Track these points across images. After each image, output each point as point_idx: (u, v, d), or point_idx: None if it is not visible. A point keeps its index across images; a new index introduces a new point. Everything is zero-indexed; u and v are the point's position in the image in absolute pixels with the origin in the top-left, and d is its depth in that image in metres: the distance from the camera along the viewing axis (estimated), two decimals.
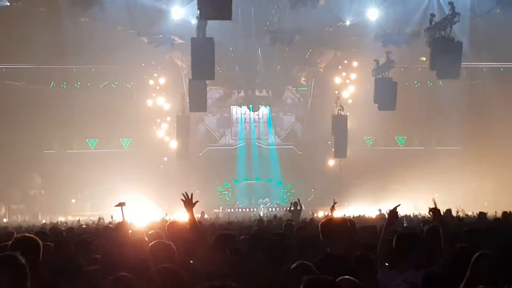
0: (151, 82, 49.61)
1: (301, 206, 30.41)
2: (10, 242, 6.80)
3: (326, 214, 35.97)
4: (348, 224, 7.75)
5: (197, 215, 13.56)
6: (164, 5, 35.96)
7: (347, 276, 5.52)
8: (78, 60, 44.64)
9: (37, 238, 6.83)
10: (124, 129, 50.95)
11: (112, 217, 22.73)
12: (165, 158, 50.46)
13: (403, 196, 47.45)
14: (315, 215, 37.73)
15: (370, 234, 11.36)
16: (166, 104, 49.70)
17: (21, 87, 48.49)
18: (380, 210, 35.70)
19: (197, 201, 9.03)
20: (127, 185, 45.97)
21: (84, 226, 22.95)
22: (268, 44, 41.09)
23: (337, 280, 5.27)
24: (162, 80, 49.21)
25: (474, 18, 34.11)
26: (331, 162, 51.66)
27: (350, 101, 49.05)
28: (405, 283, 6.81)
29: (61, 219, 37.15)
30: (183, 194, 8.97)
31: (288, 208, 31.61)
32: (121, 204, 13.41)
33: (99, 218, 30.39)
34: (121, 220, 12.71)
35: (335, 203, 14.09)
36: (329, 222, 7.72)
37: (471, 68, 46.70)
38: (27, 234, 7.21)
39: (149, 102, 49.90)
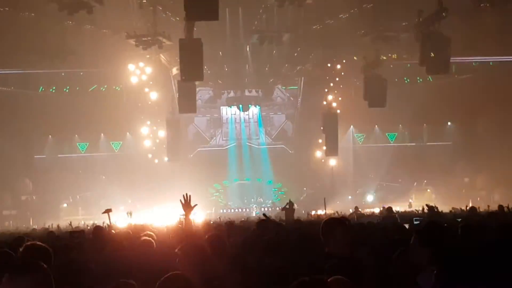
0: (140, 84, 49.47)
1: (293, 204, 30.55)
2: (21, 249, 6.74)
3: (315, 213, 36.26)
4: (347, 223, 7.80)
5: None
6: (151, 7, 35.89)
7: (338, 276, 5.47)
8: (67, 64, 44.48)
9: (47, 246, 6.74)
10: (114, 132, 50.89)
11: (103, 222, 22.66)
12: (156, 160, 50.37)
13: (395, 193, 47.66)
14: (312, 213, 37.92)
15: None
16: (156, 106, 49.57)
17: (10, 93, 48.27)
18: (356, 207, 35.81)
19: (195, 204, 9.01)
20: (118, 188, 45.95)
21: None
22: (256, 44, 40.99)
23: (329, 280, 5.22)
24: (151, 82, 49.07)
25: (462, 13, 34.12)
26: (323, 160, 51.62)
27: (340, 98, 48.99)
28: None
29: (51, 223, 36.95)
30: (183, 195, 9.00)
31: (282, 207, 31.76)
32: (107, 211, 13.50)
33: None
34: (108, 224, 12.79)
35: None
36: (330, 221, 7.73)
37: (460, 63, 46.73)
38: (37, 242, 7.08)
39: (139, 105, 49.75)
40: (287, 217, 27.51)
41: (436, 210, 21.89)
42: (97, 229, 12.23)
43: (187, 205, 8.99)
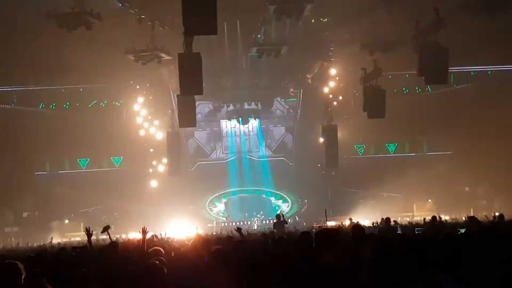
0: (140, 99, 49.53)
1: (284, 219, 30.20)
2: None
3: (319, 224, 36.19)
4: (340, 233, 7.78)
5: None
6: (150, 22, 36.01)
7: None
8: (66, 80, 44.62)
9: (18, 264, 6.77)
10: (114, 147, 50.91)
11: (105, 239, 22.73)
12: (157, 175, 50.37)
13: (396, 203, 47.60)
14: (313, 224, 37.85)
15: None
16: (156, 121, 49.66)
17: (10, 110, 48.39)
18: (351, 219, 35.81)
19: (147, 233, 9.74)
20: (119, 203, 45.94)
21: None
22: (255, 56, 41.06)
23: None
24: (150, 97, 49.19)
25: (460, 23, 34.20)
26: (323, 172, 51.55)
27: (339, 110, 48.99)
28: None
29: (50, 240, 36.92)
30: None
31: (273, 221, 31.71)
32: (106, 228, 13.58)
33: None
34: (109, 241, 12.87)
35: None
36: (323, 231, 7.72)
37: (459, 72, 46.84)
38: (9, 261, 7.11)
39: (139, 119, 49.82)
40: (277, 232, 26.75)
41: (439, 219, 22.07)
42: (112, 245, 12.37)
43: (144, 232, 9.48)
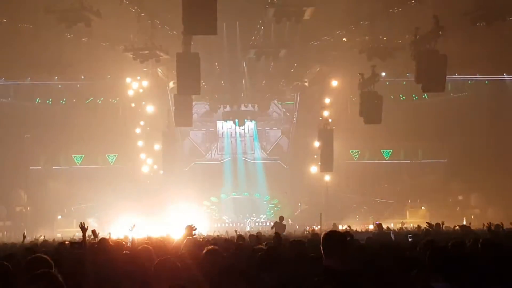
0: (137, 97, 49.44)
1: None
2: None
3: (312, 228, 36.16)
4: (348, 237, 7.68)
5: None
6: (149, 21, 35.96)
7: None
8: (64, 76, 44.58)
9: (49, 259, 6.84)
10: (110, 144, 50.86)
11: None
12: (151, 174, 50.31)
13: (389, 209, 47.62)
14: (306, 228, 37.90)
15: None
16: (152, 119, 49.56)
17: (6, 104, 48.32)
18: (335, 224, 35.84)
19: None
20: (113, 201, 45.83)
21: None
22: (253, 59, 41.05)
23: None
24: (147, 96, 49.07)
25: (459, 32, 34.22)
26: (318, 176, 51.53)
27: (335, 114, 48.97)
28: None
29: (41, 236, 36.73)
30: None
31: (273, 223, 31.73)
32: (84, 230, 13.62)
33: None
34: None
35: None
36: (333, 235, 7.55)
37: (456, 80, 46.89)
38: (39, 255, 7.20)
39: (135, 117, 49.74)
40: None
41: (442, 225, 22.23)
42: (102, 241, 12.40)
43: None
